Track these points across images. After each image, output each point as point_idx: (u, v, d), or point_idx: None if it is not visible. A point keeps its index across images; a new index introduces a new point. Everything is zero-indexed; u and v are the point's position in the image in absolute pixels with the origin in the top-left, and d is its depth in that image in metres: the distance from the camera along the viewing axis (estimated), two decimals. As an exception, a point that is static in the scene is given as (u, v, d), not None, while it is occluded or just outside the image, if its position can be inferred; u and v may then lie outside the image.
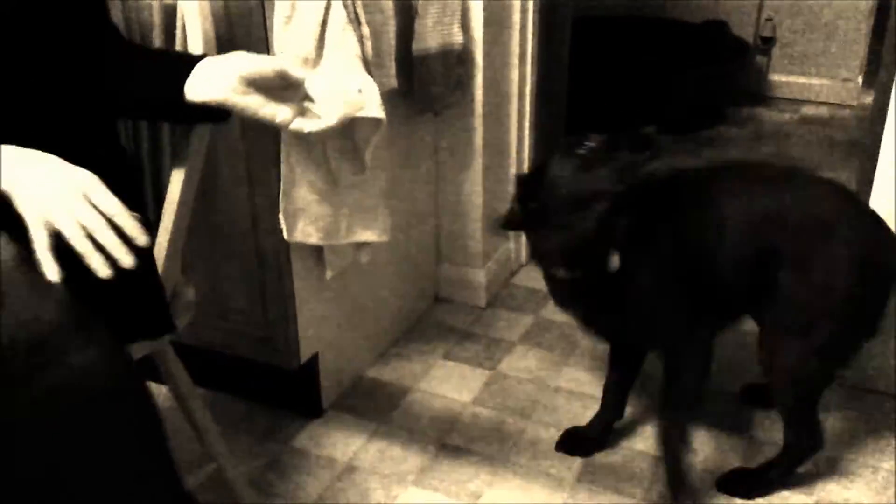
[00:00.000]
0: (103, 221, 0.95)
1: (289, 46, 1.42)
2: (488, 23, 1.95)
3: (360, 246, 1.72)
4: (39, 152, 0.98)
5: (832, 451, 1.69)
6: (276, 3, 1.41)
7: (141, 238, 0.97)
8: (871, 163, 1.94)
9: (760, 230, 1.45)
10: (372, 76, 1.51)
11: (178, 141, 1.31)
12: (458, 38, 1.86)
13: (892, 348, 1.81)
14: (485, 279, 2.22)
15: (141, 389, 0.96)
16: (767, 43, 3.74)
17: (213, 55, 1.18)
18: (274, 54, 1.44)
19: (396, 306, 2.07)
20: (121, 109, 1.25)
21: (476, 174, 2.10)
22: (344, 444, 1.74)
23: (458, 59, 1.90)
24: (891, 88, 1.81)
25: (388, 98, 1.57)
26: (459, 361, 2.01)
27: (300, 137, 1.48)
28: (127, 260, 0.95)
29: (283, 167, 1.49)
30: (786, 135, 3.37)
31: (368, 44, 1.50)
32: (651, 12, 3.85)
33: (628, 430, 1.76)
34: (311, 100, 1.11)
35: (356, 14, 1.47)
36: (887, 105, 1.82)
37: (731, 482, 1.61)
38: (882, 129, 1.86)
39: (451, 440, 1.75)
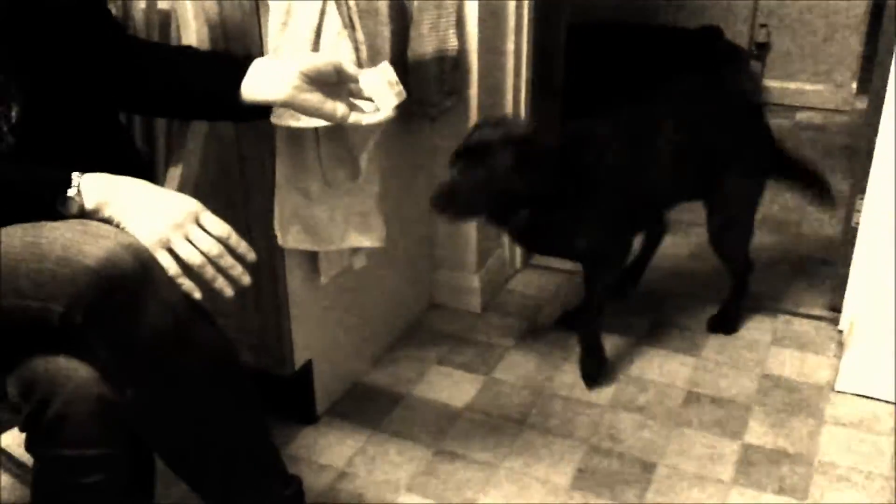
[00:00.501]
0: (219, 245, 1.02)
1: (284, 52, 1.42)
2: (483, 28, 1.95)
3: (355, 252, 1.71)
4: (133, 179, 1.04)
5: (826, 456, 1.69)
6: (272, 7, 1.40)
7: (251, 255, 1.06)
8: (865, 167, 1.95)
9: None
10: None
11: (173, 140, 1.31)
12: (453, 43, 1.86)
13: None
14: (479, 284, 2.22)
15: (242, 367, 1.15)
16: (762, 49, 3.75)
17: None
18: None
19: (391, 312, 2.06)
20: (163, 109, 1.27)
21: (471, 180, 2.10)
22: (338, 451, 1.73)
23: (454, 65, 1.90)
24: (884, 93, 1.81)
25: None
26: (454, 367, 2.00)
27: (294, 143, 1.48)
28: (246, 279, 1.05)
29: (277, 172, 1.49)
30: (780, 140, 3.37)
31: (364, 49, 1.50)
32: (646, 19, 3.85)
33: (623, 435, 1.76)
34: (354, 94, 1.17)
35: (351, 19, 1.47)
36: (881, 110, 1.83)
37: (716, 322, 2.11)
38: (876, 133, 1.86)
39: (445, 446, 1.74)
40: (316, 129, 1.48)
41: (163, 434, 1.11)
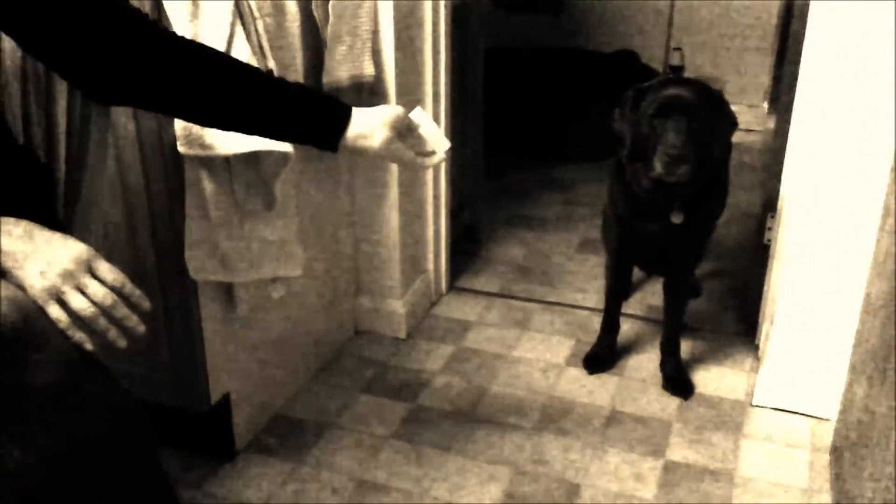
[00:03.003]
0: (112, 295, 0.97)
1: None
2: (399, 55, 1.94)
3: (273, 281, 1.68)
4: (20, 221, 0.97)
5: (746, 470, 1.72)
6: (176, 31, 1.37)
7: (145, 304, 1.02)
8: (775, 185, 2.01)
9: None
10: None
11: (73, 150, 1.27)
12: (369, 69, 1.85)
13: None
14: (404, 310, 2.20)
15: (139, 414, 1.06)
16: (676, 71, 3.85)
17: None
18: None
19: (313, 340, 2.02)
20: (230, 124, 1.23)
21: (392, 206, 2.09)
22: (258, 487, 1.68)
23: (371, 91, 1.89)
24: (790, 113, 1.87)
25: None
26: (378, 395, 1.98)
27: (204, 173, 1.44)
28: (140, 329, 1.00)
29: (187, 202, 1.45)
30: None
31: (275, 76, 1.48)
32: (562, 43, 3.92)
33: (548, 457, 1.76)
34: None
35: (261, 47, 1.45)
36: (788, 129, 1.89)
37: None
38: (784, 152, 1.92)
39: (370, 476, 1.71)
40: (227, 159, 1.45)
41: (55, 497, 1.00)
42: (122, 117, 1.41)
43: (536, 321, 2.29)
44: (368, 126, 1.20)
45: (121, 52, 1.06)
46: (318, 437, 1.83)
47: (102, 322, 0.97)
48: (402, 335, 2.21)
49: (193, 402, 1.62)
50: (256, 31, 1.43)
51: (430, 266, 2.35)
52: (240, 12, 1.40)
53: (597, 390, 1.99)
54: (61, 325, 0.95)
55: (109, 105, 1.32)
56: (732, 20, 3.82)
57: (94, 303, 0.96)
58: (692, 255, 1.99)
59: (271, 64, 1.48)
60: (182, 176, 1.43)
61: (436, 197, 2.27)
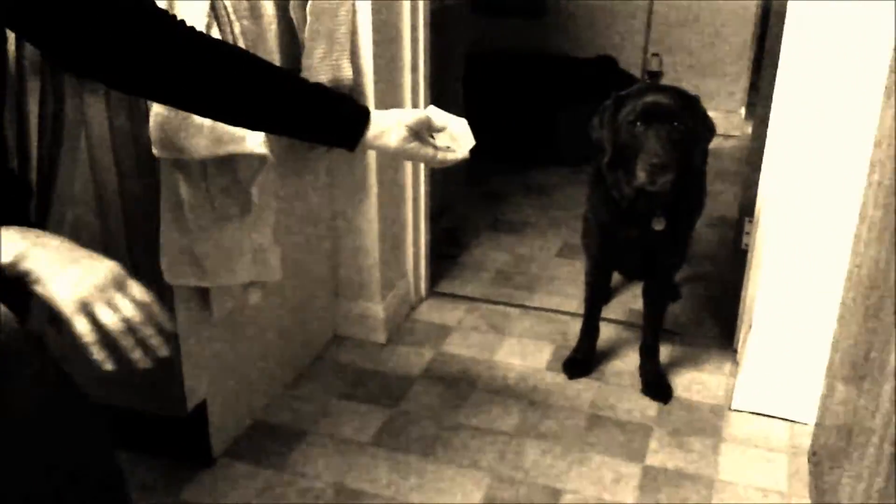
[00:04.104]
0: (141, 313, 0.96)
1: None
2: (378, 58, 1.93)
3: (250, 286, 1.66)
4: (55, 236, 0.98)
5: (725, 474, 1.72)
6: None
7: (169, 325, 1.01)
8: (753, 190, 2.02)
9: None
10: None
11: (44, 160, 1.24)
12: (347, 72, 1.84)
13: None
14: (384, 314, 2.18)
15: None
16: (654, 77, 3.87)
17: None
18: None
19: (291, 345, 2.01)
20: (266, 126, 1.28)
21: (371, 209, 2.08)
22: (236, 495, 1.66)
23: (350, 94, 1.88)
24: (768, 119, 1.88)
25: (276, 133, 1.52)
26: (358, 401, 1.96)
27: (179, 176, 1.43)
28: (163, 351, 0.98)
29: (162, 206, 1.43)
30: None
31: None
32: (541, 49, 3.93)
33: (528, 462, 1.75)
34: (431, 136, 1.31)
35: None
36: (765, 135, 1.90)
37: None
38: (762, 157, 1.93)
39: (349, 483, 1.69)
40: (202, 162, 1.43)
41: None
42: (96, 118, 1.39)
43: (516, 326, 2.29)
44: (385, 125, 1.25)
45: (152, 46, 1.08)
46: (296, 443, 1.81)
47: (129, 340, 0.95)
48: (382, 340, 2.19)
49: (170, 409, 1.60)
50: (233, 32, 1.42)
51: (410, 270, 2.34)
52: (216, 14, 1.38)
53: (576, 395, 1.98)
54: (85, 340, 0.93)
55: (131, 95, 1.31)
56: (710, 26, 3.84)
57: (122, 320, 0.95)
58: (673, 260, 2.01)
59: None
60: (157, 179, 1.42)
61: (415, 201, 2.26)
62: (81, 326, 0.93)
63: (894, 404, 1.12)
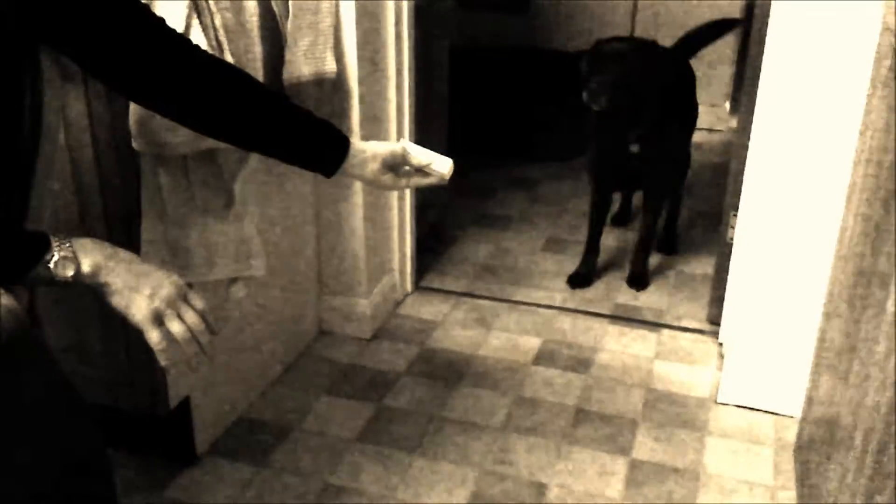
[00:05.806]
0: (201, 322, 1.03)
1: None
2: (362, 51, 1.92)
3: (234, 281, 1.64)
4: (125, 250, 1.02)
5: (712, 468, 1.72)
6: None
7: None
8: (738, 184, 2.02)
9: None
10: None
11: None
12: (331, 65, 1.82)
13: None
14: (369, 310, 2.17)
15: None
16: (640, 71, 3.87)
17: None
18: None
19: (276, 341, 1.99)
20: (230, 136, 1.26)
21: (356, 204, 2.06)
22: (220, 492, 1.64)
23: (333, 88, 1.86)
24: (752, 113, 1.88)
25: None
26: (343, 397, 1.95)
27: (160, 170, 1.41)
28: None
29: (142, 200, 1.41)
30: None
31: (233, 71, 1.44)
32: (529, 41, 3.92)
33: (515, 457, 1.74)
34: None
35: (218, 40, 1.41)
36: (750, 129, 1.90)
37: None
38: (747, 151, 1.93)
39: (335, 480, 1.68)
40: (183, 156, 1.41)
41: None
42: (75, 110, 1.36)
43: (502, 320, 2.28)
44: (362, 157, 1.29)
45: (146, 52, 1.10)
46: (281, 439, 1.80)
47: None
48: (367, 335, 2.18)
49: (153, 406, 1.58)
50: (213, 24, 1.40)
51: (395, 265, 2.32)
52: (196, 6, 1.36)
53: (563, 389, 1.98)
54: (158, 348, 1.00)
55: (131, 100, 1.31)
56: (695, 19, 3.84)
57: (187, 329, 1.02)
58: (658, 178, 2.41)
59: (228, 57, 1.44)
60: (138, 173, 1.40)
61: (401, 196, 2.25)
62: (155, 336, 1.00)
63: (880, 397, 1.12)
